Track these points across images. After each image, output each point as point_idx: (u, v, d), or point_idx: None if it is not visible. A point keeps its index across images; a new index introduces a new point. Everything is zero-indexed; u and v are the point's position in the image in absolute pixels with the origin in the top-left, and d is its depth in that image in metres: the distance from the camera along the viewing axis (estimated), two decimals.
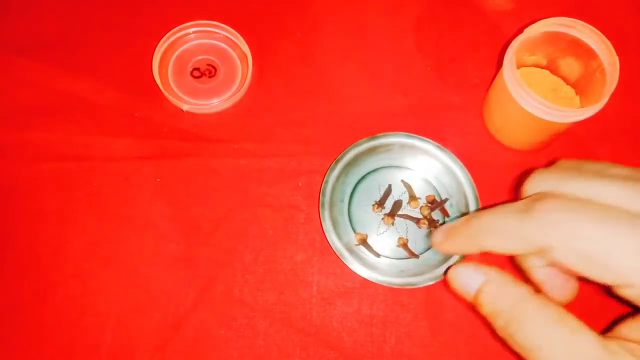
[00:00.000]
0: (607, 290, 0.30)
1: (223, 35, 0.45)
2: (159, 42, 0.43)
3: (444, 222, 0.39)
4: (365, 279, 0.37)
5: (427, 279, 0.37)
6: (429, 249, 0.39)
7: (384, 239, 0.40)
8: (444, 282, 0.38)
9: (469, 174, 0.40)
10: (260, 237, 0.40)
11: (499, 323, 0.27)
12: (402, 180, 0.41)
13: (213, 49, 0.45)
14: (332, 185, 0.39)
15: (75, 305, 0.38)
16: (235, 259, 0.39)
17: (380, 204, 0.40)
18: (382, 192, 0.41)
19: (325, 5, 0.46)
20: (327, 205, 0.39)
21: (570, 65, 0.40)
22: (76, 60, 0.44)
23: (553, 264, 0.28)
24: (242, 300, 0.38)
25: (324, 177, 0.39)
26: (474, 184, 0.39)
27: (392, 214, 0.40)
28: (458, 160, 0.40)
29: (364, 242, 0.39)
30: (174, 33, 0.44)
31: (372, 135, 0.40)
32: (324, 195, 0.39)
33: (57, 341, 0.37)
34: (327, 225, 0.38)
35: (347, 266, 0.38)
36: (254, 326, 0.38)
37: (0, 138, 0.42)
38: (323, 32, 0.45)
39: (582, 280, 0.33)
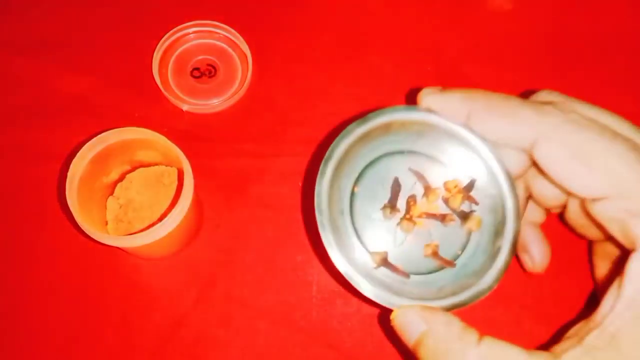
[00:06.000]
0: (566, 214, 0.32)
1: (223, 35, 0.45)
2: (159, 42, 0.43)
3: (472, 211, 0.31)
4: None
5: (476, 294, 0.28)
6: (463, 250, 0.31)
7: (406, 252, 0.31)
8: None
9: (490, 144, 0.30)
10: (260, 237, 0.40)
11: None
12: (410, 169, 0.32)
13: (213, 49, 0.45)
14: (327, 195, 0.29)
15: (76, 305, 0.38)
16: (235, 259, 0.39)
17: (392, 205, 0.31)
18: (389, 190, 0.32)
19: (325, 5, 0.46)
20: (327, 225, 0.29)
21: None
22: (76, 60, 0.44)
23: (534, 165, 0.29)
24: (242, 300, 0.38)
25: (315, 189, 0.29)
26: (501, 157, 0.30)
27: (410, 216, 0.31)
28: (473, 130, 0.30)
29: (385, 262, 0.30)
30: (174, 33, 0.44)
31: (362, 117, 0.30)
32: (320, 212, 0.29)
33: (57, 341, 0.37)
34: (334, 253, 0.28)
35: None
36: (254, 326, 0.38)
37: (0, 138, 0.42)
38: (323, 32, 0.45)
39: (551, 208, 0.34)
